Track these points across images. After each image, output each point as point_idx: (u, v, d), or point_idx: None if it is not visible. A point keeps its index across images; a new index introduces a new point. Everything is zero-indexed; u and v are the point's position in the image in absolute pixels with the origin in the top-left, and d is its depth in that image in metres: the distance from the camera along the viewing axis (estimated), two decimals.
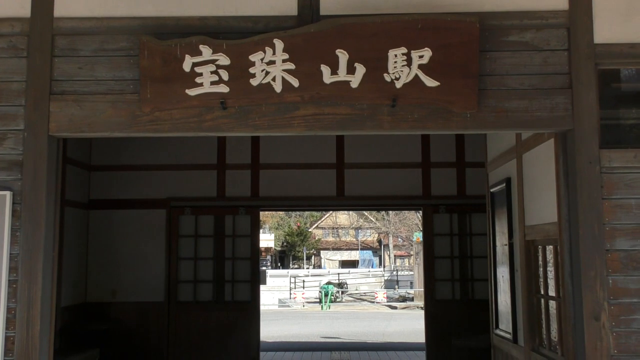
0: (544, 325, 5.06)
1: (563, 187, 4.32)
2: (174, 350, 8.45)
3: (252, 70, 4.16)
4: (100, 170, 8.75)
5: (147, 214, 8.69)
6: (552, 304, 4.88)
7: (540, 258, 5.15)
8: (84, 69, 4.26)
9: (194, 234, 8.83)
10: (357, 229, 50.05)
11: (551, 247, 4.86)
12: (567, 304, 4.25)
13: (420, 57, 4.12)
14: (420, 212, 9.69)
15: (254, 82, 4.17)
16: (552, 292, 4.87)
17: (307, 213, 49.33)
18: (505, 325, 5.91)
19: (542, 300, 5.09)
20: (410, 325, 15.42)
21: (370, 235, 50.49)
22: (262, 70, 4.16)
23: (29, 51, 4.26)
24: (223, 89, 4.16)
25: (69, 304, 7.76)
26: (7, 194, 4.08)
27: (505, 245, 5.85)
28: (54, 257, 4.17)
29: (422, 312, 9.17)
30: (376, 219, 43.11)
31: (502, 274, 6.01)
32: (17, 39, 4.29)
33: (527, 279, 5.31)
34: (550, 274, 4.91)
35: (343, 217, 49.70)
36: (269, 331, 13.01)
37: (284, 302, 24.61)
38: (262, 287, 9.66)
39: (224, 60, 4.14)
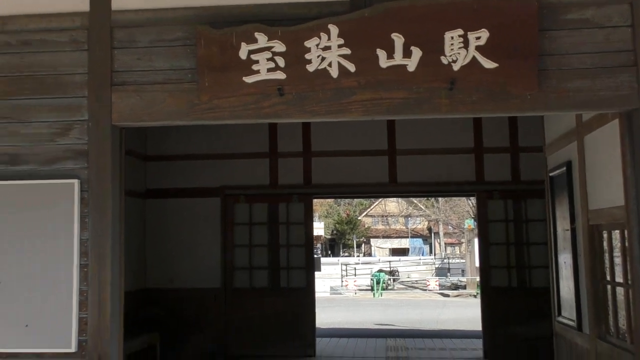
0: (610, 313, 4.92)
1: (630, 168, 4.17)
2: (231, 335, 8.59)
3: (307, 56, 4.16)
4: (155, 160, 8.95)
5: (202, 203, 8.85)
6: (620, 290, 4.73)
7: (605, 243, 4.99)
8: (143, 60, 4.34)
9: (249, 222, 8.94)
10: (406, 216, 49.73)
11: (617, 231, 4.70)
12: (637, 290, 4.11)
13: (477, 38, 4.04)
14: (472, 198, 9.53)
15: (310, 68, 4.17)
16: (619, 278, 4.72)
17: (356, 201, 49.27)
18: (568, 312, 5.77)
19: (609, 287, 4.94)
20: (463, 313, 15.25)
21: (420, 223, 50.08)
22: (318, 56, 4.15)
23: (90, 44, 4.36)
24: (280, 75, 4.18)
25: (129, 289, 7.88)
26: (75, 182, 4.23)
27: (567, 230, 5.70)
28: (120, 242, 4.30)
29: (475, 300, 9.07)
30: (425, 207, 42.75)
31: (564, 260, 5.87)
32: (78, 33, 4.40)
33: (591, 265, 5.16)
34: (617, 260, 4.76)
35: (392, 205, 49.43)
36: (322, 318, 13.04)
37: (336, 289, 24.69)
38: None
39: (279, 47, 4.15)
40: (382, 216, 51.54)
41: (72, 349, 4.10)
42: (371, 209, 51.36)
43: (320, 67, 4.16)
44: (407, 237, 50.32)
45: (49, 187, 4.22)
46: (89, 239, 4.20)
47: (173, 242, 8.75)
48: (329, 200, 44.55)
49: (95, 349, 4.09)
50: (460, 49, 4.06)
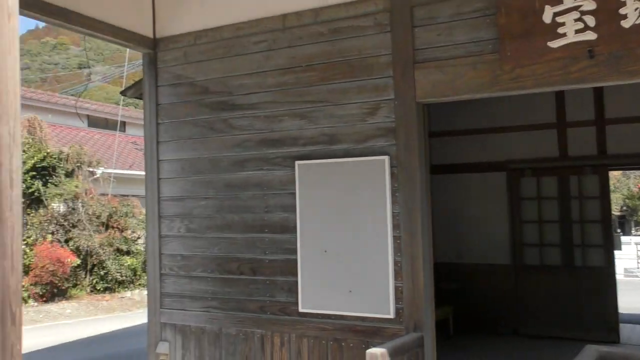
0: None
1: None
2: (522, 313, 8.36)
3: (622, 11, 3.78)
4: (438, 136, 9.05)
5: (486, 177, 8.74)
6: None
7: None
8: (443, 35, 4.38)
9: (537, 196, 8.56)
10: None
11: None
12: None
13: None
14: None
15: (626, 24, 3.78)
16: None
17: None
18: None
19: None
20: None
21: None
22: (636, 9, 3.74)
23: (392, 25, 4.54)
24: (590, 36, 3.87)
25: None
26: (385, 159, 4.49)
27: None
28: (428, 216, 4.47)
29: None
30: None
31: None
32: (381, 16, 4.61)
33: None
34: None
35: None
36: (620, 302, 11.93)
37: (631, 271, 22.38)
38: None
39: (588, 4, 3.84)
40: None
41: (391, 315, 4.38)
42: None
43: (638, 22, 3.76)
44: None
45: (362, 164, 4.56)
46: (400, 213, 4.43)
47: (459, 217, 8.80)
48: (616, 172, 40.42)
49: (411, 317, 4.32)
50: None
